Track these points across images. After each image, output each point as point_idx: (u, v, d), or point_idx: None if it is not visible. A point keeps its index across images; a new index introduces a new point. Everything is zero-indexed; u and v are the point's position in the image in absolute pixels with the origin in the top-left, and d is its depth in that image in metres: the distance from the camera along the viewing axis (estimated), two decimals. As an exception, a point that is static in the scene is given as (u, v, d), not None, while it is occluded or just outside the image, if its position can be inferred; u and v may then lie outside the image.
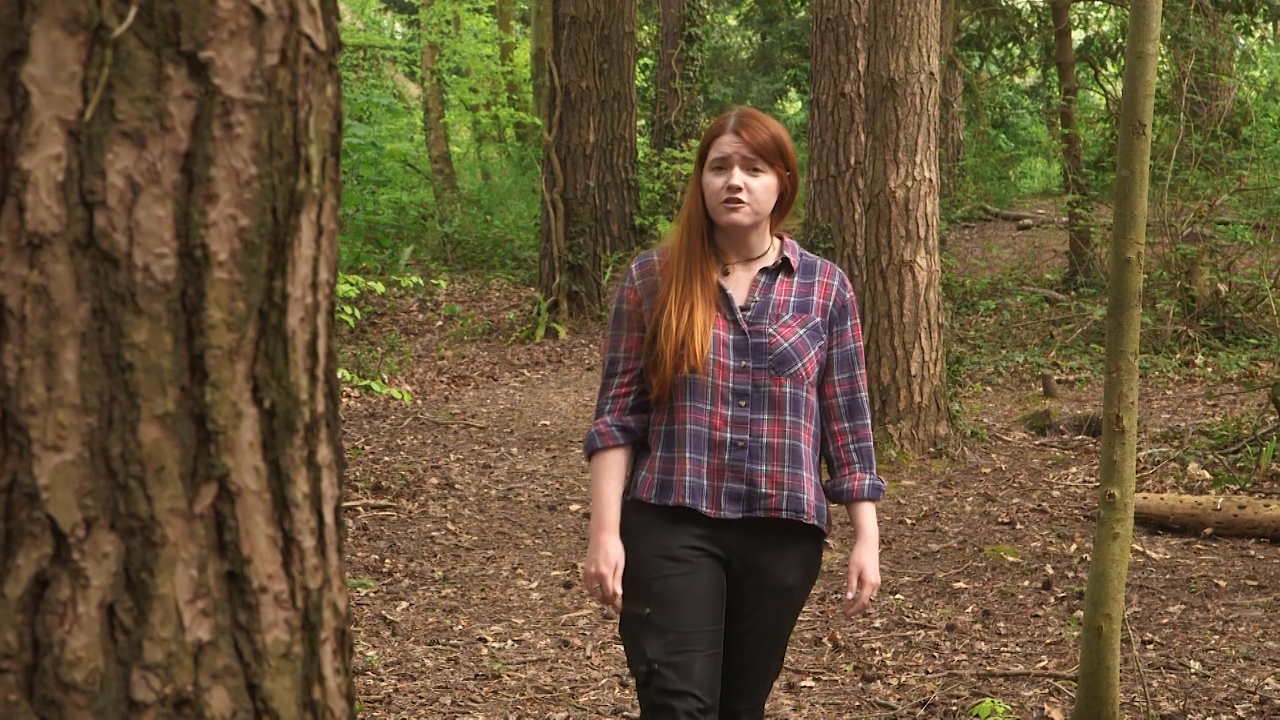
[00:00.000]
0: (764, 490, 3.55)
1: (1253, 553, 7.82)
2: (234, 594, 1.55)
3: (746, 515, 3.56)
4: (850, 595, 3.67)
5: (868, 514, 3.72)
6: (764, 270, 3.66)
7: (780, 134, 3.61)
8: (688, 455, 3.56)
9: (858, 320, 3.74)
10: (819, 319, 3.64)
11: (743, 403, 3.54)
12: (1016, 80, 25.24)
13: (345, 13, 29.56)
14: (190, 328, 1.50)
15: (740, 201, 3.55)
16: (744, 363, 3.55)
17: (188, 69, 1.48)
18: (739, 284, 3.65)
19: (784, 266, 3.68)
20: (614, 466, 3.64)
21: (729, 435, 3.54)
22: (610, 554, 3.58)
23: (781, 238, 3.74)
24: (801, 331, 3.59)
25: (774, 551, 3.60)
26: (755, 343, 3.56)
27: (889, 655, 6.36)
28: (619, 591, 3.56)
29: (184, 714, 1.50)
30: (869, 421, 3.75)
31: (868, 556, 3.66)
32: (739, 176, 3.55)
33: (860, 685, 6.03)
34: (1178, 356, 13.21)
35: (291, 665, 1.61)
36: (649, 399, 3.64)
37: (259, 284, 1.55)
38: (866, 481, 3.70)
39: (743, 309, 3.60)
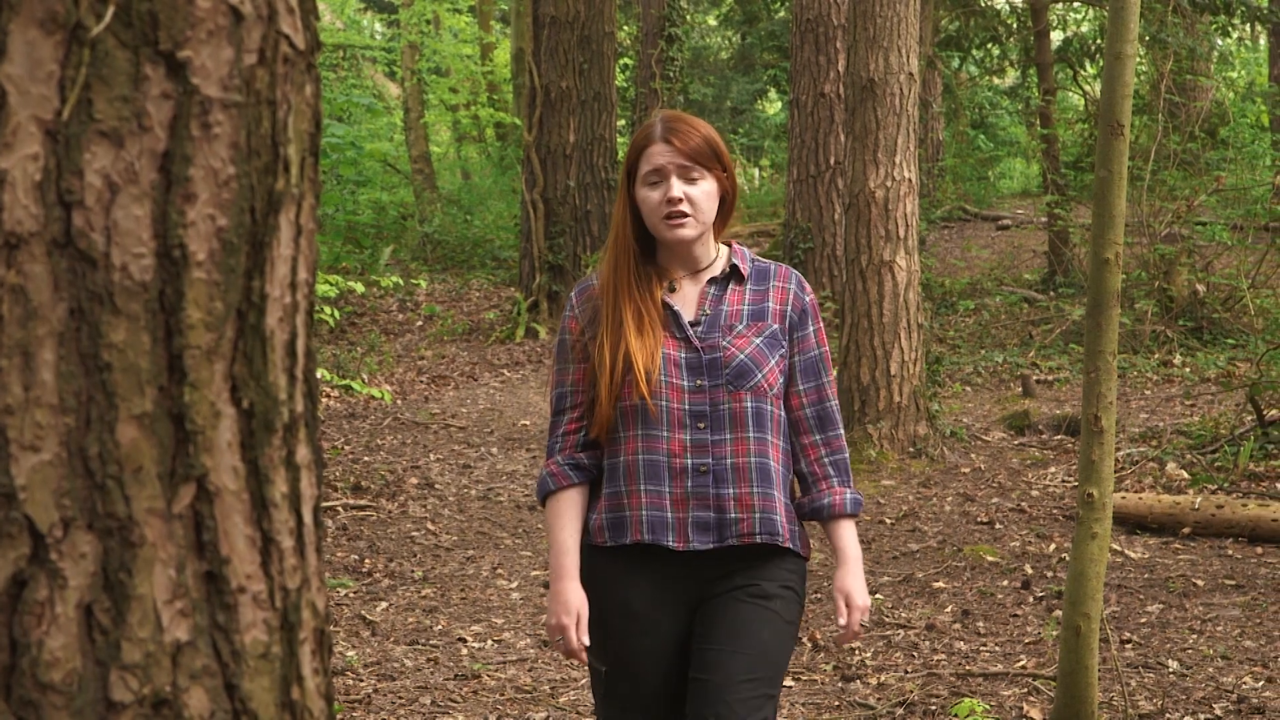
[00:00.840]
0: (734, 515, 3.28)
1: (1230, 552, 7.85)
2: (212, 594, 1.54)
3: (718, 545, 3.29)
4: (842, 621, 3.39)
5: (848, 532, 3.43)
6: (712, 281, 3.42)
7: (711, 135, 3.38)
8: (642, 487, 3.29)
9: (821, 325, 3.48)
10: (776, 325, 3.39)
11: (701, 424, 3.29)
12: (996, 81, 25.30)
13: (324, 12, 29.52)
14: (168, 328, 1.49)
15: (683, 214, 3.31)
16: (699, 381, 3.30)
17: (166, 68, 1.48)
18: (686, 299, 3.41)
19: (734, 274, 3.44)
20: (570, 509, 3.37)
21: (689, 461, 3.28)
22: (571, 603, 3.30)
23: (730, 244, 3.50)
24: (758, 341, 3.35)
25: (750, 571, 3.33)
26: (709, 358, 3.31)
27: (868, 655, 6.37)
28: (585, 643, 3.31)
29: (162, 714, 1.50)
30: (842, 431, 3.49)
31: (852, 579, 3.39)
32: (678, 187, 3.30)
33: (840, 685, 6.04)
34: (1156, 356, 13.25)
35: (270, 665, 1.61)
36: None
37: (237, 284, 1.55)
38: (847, 496, 3.42)
39: (693, 324, 3.36)
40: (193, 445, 1.52)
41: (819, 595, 6.97)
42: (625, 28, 26.11)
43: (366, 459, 10.76)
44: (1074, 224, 16.26)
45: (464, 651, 6.55)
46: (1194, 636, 6.45)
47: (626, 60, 26.25)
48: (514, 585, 7.64)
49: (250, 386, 1.57)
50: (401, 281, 14.55)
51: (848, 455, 3.49)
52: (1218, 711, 5.55)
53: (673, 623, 3.34)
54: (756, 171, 27.76)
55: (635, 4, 24.26)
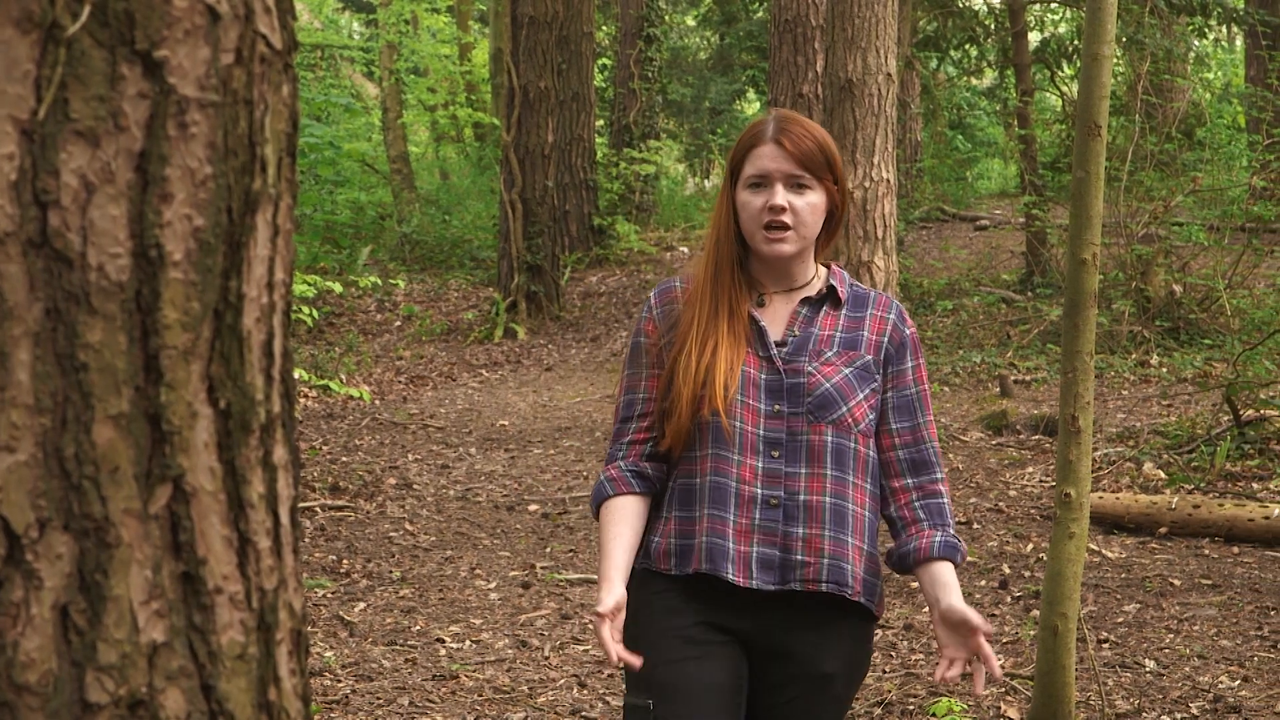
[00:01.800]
0: (800, 557, 2.98)
1: (1207, 552, 7.88)
2: (189, 595, 1.54)
3: (780, 587, 2.98)
4: (981, 630, 2.93)
5: (947, 570, 3.04)
6: (805, 301, 3.13)
7: (826, 141, 3.07)
8: (708, 512, 2.99)
9: (922, 360, 3.17)
10: (870, 357, 3.09)
11: (775, 453, 3.00)
12: (974, 81, 25.34)
13: (302, 12, 29.48)
14: (145, 328, 1.49)
15: (785, 226, 3.03)
16: (778, 406, 3.01)
17: (142, 68, 1.47)
18: (775, 316, 3.12)
19: (830, 297, 3.15)
20: (624, 513, 3.07)
21: (760, 490, 2.98)
22: (606, 601, 2.97)
23: (829, 266, 3.21)
24: (847, 371, 3.05)
25: (811, 634, 3.03)
26: (791, 383, 3.02)
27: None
28: (617, 642, 2.97)
29: (138, 715, 1.49)
30: (940, 475, 3.15)
31: (962, 604, 2.98)
32: (782, 195, 3.01)
33: (818, 685, 6.05)
34: (1133, 357, 13.28)
35: (247, 666, 1.60)
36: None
37: (214, 284, 1.55)
38: (937, 539, 3.06)
39: (778, 344, 3.07)
40: (169, 446, 1.51)
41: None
42: (604, 28, 26.11)
43: (344, 459, 10.74)
44: (1051, 224, 16.29)
45: (442, 652, 6.54)
46: (1171, 636, 6.47)
47: (605, 60, 26.26)
48: (492, 586, 7.64)
49: (227, 387, 1.57)
50: (380, 281, 14.52)
51: (946, 500, 3.15)
52: (1194, 710, 5.57)
53: (729, 655, 3.03)
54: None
55: (614, 4, 24.27)
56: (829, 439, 3.01)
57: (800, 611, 3.02)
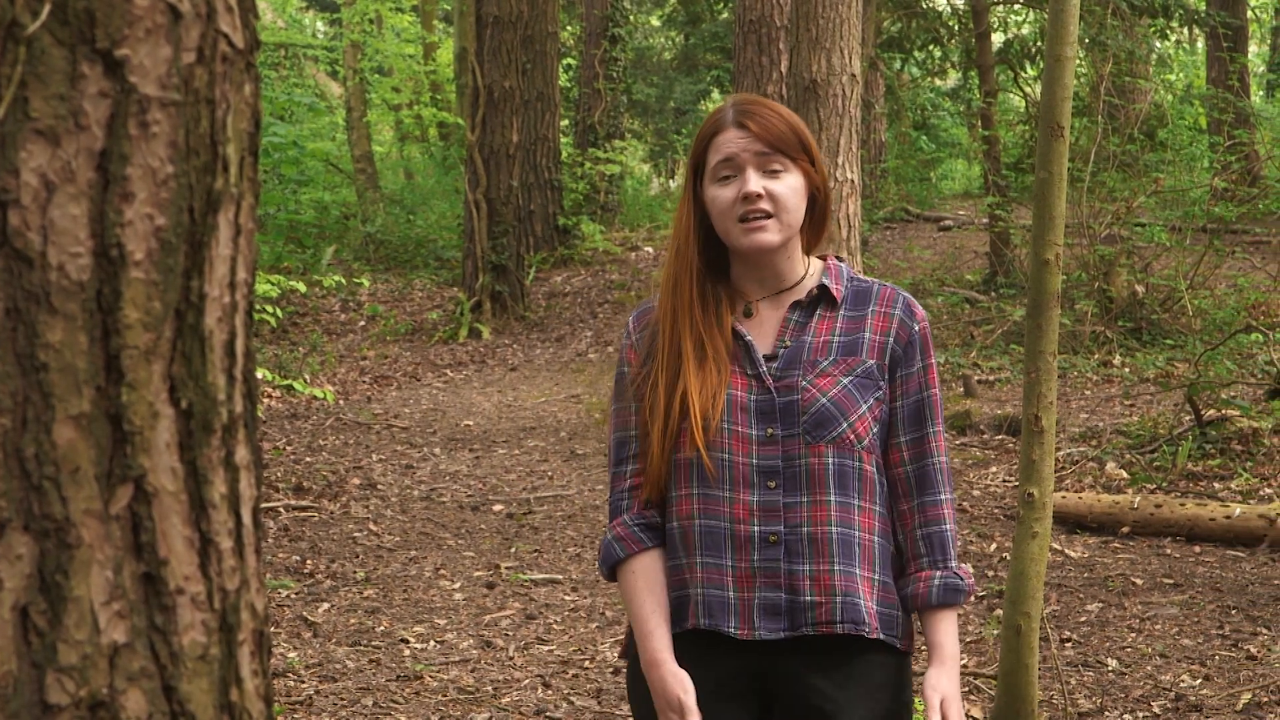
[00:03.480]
0: (809, 598, 2.65)
1: (1169, 551, 7.92)
2: (150, 596, 1.53)
3: (790, 634, 2.66)
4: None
5: (942, 626, 2.75)
6: (796, 305, 2.76)
7: (795, 120, 2.74)
8: (700, 560, 2.68)
9: (933, 360, 2.78)
10: (873, 362, 2.72)
11: (772, 483, 2.66)
12: (937, 82, 25.43)
13: (265, 11, 29.39)
14: (106, 328, 1.48)
15: (764, 213, 2.68)
16: (770, 430, 2.67)
17: (103, 67, 1.47)
18: (763, 327, 2.77)
19: (823, 297, 2.78)
20: (647, 578, 2.72)
21: (757, 528, 2.65)
22: (672, 694, 2.63)
23: (825, 259, 2.85)
24: (846, 381, 2.69)
25: (834, 685, 2.69)
26: (784, 401, 2.67)
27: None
28: None
29: (99, 717, 1.49)
30: (945, 496, 2.78)
31: (946, 681, 2.71)
32: (755, 181, 2.67)
33: (782, 684, 6.05)
34: (1096, 357, 13.34)
35: (208, 667, 1.60)
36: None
37: (176, 284, 1.54)
38: (935, 582, 2.74)
39: (768, 359, 2.72)
40: (130, 446, 1.51)
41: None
42: (568, 28, 26.11)
43: (308, 459, 10.71)
44: (1015, 225, 16.35)
45: (406, 652, 6.53)
46: (1133, 635, 6.50)
47: (570, 60, 26.25)
48: (456, 586, 7.62)
49: (189, 387, 1.56)
50: (344, 281, 14.47)
51: (948, 526, 2.78)
52: (1156, 709, 5.59)
53: (745, 715, 2.73)
54: (700, 172, 27.72)
55: (578, 4, 24.25)
56: (830, 460, 2.66)
57: (816, 660, 2.70)
